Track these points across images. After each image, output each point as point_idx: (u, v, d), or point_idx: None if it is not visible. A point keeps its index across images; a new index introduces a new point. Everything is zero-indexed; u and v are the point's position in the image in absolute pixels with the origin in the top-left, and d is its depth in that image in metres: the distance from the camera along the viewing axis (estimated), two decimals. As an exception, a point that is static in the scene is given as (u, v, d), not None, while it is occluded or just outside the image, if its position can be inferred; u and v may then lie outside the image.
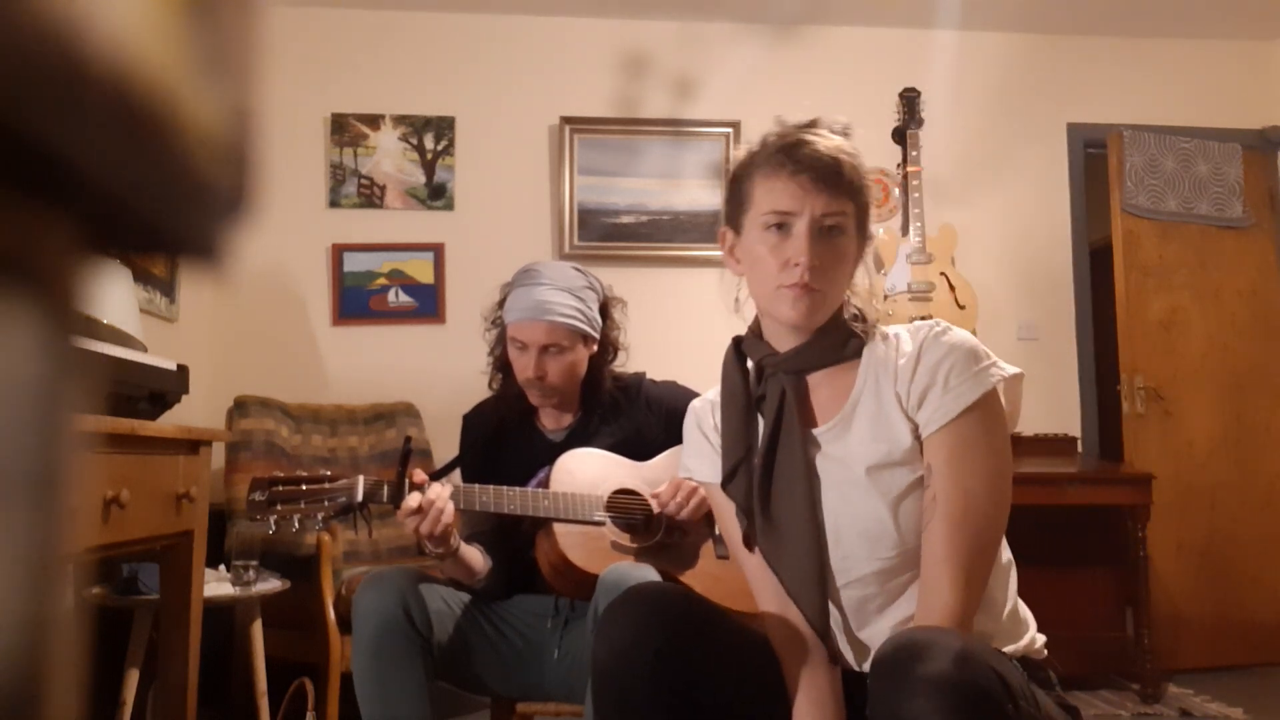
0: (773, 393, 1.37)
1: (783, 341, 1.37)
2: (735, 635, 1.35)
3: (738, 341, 1.45)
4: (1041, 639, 1.35)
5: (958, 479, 1.24)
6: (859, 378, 1.33)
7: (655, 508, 1.88)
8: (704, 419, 1.49)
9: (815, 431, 1.34)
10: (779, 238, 1.29)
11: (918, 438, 1.28)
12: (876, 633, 1.31)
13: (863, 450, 1.30)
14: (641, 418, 1.98)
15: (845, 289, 1.35)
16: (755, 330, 1.42)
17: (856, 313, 1.38)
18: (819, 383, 1.37)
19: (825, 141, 1.30)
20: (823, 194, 1.27)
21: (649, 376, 2.07)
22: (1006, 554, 1.36)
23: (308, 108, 3.77)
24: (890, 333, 1.36)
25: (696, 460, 1.50)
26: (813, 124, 1.33)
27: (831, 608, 1.33)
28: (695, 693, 1.26)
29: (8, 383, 0.18)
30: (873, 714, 1.10)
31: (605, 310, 1.98)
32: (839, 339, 1.35)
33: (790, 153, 1.28)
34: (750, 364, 1.42)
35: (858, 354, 1.35)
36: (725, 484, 1.40)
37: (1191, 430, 3.88)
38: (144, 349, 2.14)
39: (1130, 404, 3.85)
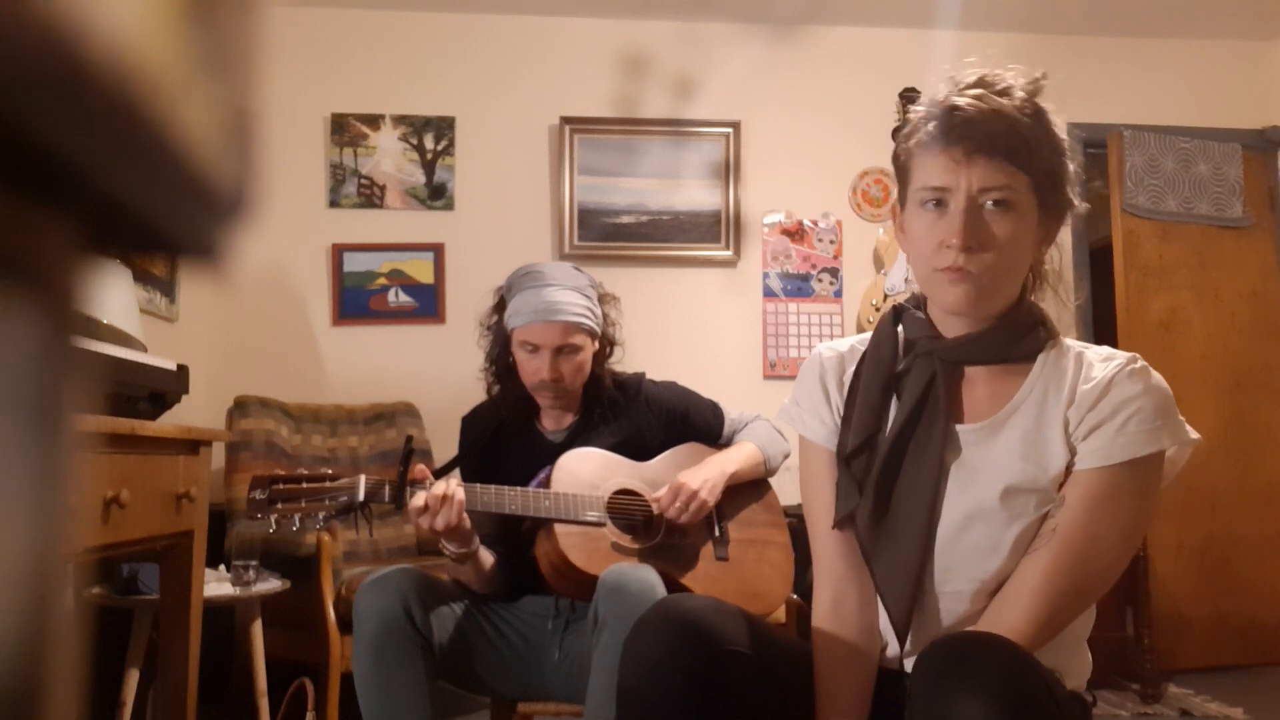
0: (919, 375, 1.25)
1: (947, 324, 1.26)
2: (773, 654, 1.27)
3: (898, 309, 1.32)
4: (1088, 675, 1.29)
5: (1090, 523, 1.15)
6: (1026, 385, 1.23)
7: (656, 511, 1.88)
8: (830, 371, 1.35)
9: (959, 428, 1.24)
10: (935, 215, 1.18)
11: (1068, 469, 1.18)
12: None
13: (1006, 466, 1.20)
14: (641, 418, 1.98)
15: (1020, 274, 1.22)
16: (919, 301, 1.30)
17: (1041, 314, 1.26)
18: (978, 376, 1.26)
19: (984, 105, 1.15)
20: (979, 165, 1.14)
21: (649, 377, 2.07)
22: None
23: (308, 108, 3.77)
24: (1075, 349, 1.24)
25: (808, 413, 1.36)
26: (979, 83, 1.19)
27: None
28: (726, 714, 1.20)
29: (8, 383, 0.18)
30: (914, 715, 1.05)
31: (601, 307, 1.98)
32: (1015, 336, 1.23)
33: (943, 121, 1.16)
34: (900, 334, 1.31)
35: (1030, 357, 1.24)
36: (849, 457, 1.28)
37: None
38: (144, 349, 2.14)
39: (1130, 404, 3.84)
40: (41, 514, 0.19)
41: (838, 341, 1.39)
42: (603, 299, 1.99)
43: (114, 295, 2.25)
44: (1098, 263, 4.11)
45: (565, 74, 3.90)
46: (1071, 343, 1.26)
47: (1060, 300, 1.29)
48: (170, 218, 0.21)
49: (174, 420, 2.03)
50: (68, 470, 0.20)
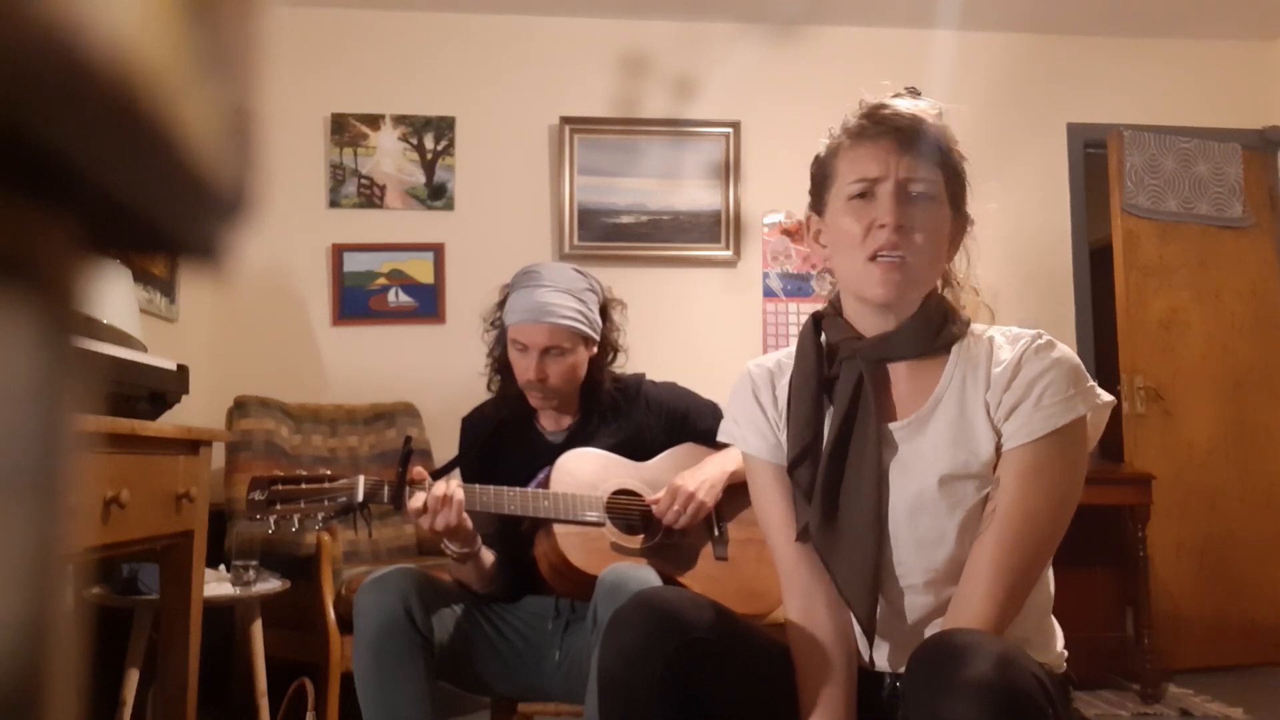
0: (848, 378, 1.29)
1: (866, 323, 1.30)
2: (747, 644, 1.30)
3: (817, 318, 1.37)
4: (1064, 651, 1.31)
5: (1024, 498, 1.19)
6: (945, 375, 1.27)
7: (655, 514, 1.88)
8: (762, 387, 1.39)
9: (890, 426, 1.28)
10: (864, 204, 1.24)
11: (998, 450, 1.23)
12: (922, 638, 1.25)
13: (939, 456, 1.24)
14: (641, 419, 1.98)
15: (938, 268, 1.28)
16: (835, 307, 1.35)
17: (951, 306, 1.31)
18: (899, 374, 1.30)
19: (908, 109, 1.26)
20: (907, 156, 1.23)
21: (649, 378, 2.07)
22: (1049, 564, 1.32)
23: (308, 108, 3.77)
24: (985, 334, 1.29)
25: (748, 430, 1.39)
26: (897, 95, 1.30)
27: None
28: (703, 703, 1.22)
29: (8, 383, 0.18)
30: (909, 716, 1.06)
31: (605, 312, 1.98)
32: (930, 329, 1.28)
33: (872, 116, 1.26)
34: (824, 341, 1.35)
35: (947, 348, 1.28)
36: (792, 470, 1.32)
37: (1191, 430, 3.87)
38: (144, 349, 2.14)
39: (1130, 404, 3.85)
40: (41, 514, 0.19)
41: (764, 357, 1.44)
42: (608, 303, 1.99)
43: (114, 295, 2.25)
44: (1098, 263, 4.11)
45: (565, 74, 3.90)
46: (981, 327, 1.31)
47: (984, 306, 1.36)
48: (170, 218, 0.21)
49: (174, 420, 2.03)
50: (68, 470, 0.20)
